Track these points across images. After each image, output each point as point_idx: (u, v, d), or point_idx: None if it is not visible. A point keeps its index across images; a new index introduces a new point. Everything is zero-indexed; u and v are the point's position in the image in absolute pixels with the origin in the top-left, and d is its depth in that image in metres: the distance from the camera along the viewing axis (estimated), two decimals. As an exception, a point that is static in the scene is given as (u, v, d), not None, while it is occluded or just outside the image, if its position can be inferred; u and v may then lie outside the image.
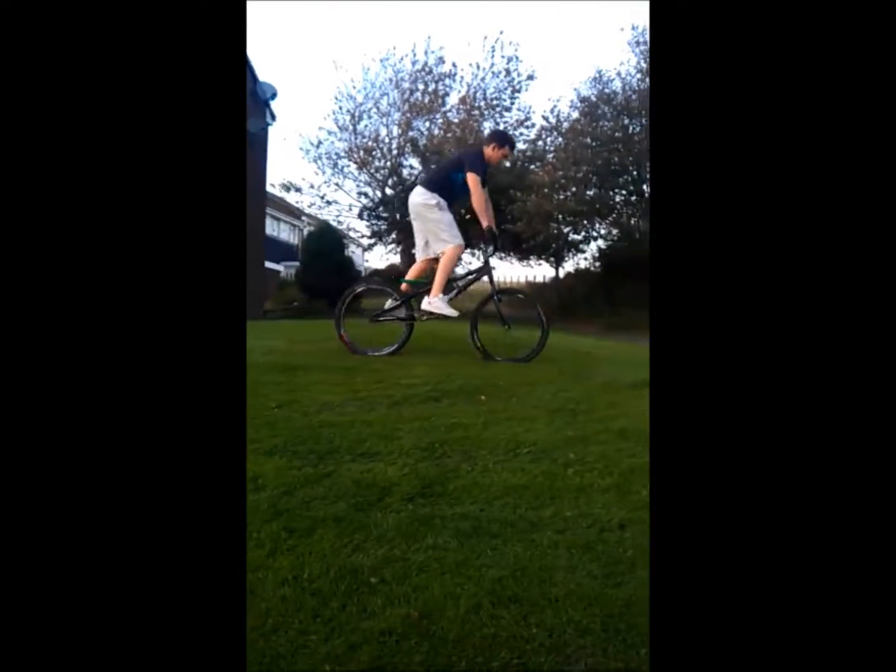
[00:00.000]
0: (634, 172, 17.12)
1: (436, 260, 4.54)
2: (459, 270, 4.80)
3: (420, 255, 4.67)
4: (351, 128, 18.47)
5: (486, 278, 4.71)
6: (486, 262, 4.78)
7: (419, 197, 4.52)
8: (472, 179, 4.38)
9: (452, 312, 4.45)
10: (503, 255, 18.57)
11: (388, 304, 4.70)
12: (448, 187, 4.50)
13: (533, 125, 18.18)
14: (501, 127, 17.63)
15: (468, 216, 4.56)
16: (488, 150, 4.53)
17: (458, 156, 4.88)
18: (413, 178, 18.08)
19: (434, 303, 4.43)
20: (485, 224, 4.46)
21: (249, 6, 1.06)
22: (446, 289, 4.49)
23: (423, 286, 4.59)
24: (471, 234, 4.74)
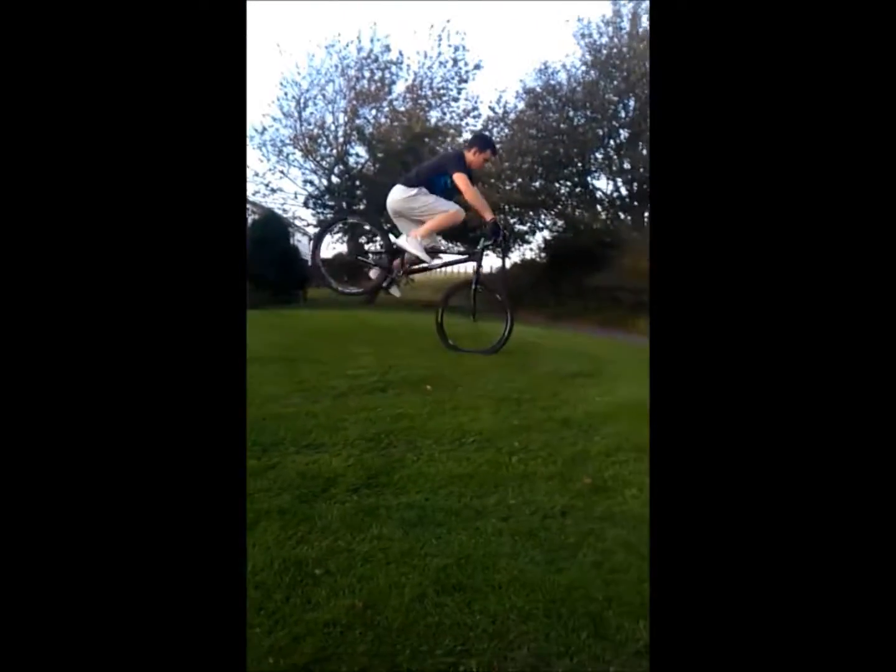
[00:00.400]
0: (579, 164, 17.35)
1: None
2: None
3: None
4: (296, 115, 18.04)
5: (470, 267, 4.63)
6: (481, 251, 4.57)
7: (398, 193, 4.33)
8: (461, 179, 4.17)
9: (426, 257, 4.36)
10: (450, 245, 18.59)
11: (373, 248, 4.80)
12: (430, 189, 4.30)
13: (479, 115, 18.09)
14: (448, 117, 17.58)
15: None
16: (469, 155, 4.32)
17: (439, 160, 4.65)
18: (359, 167, 17.86)
19: (411, 242, 4.30)
20: (489, 217, 4.29)
21: (250, 5, 1.05)
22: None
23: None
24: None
